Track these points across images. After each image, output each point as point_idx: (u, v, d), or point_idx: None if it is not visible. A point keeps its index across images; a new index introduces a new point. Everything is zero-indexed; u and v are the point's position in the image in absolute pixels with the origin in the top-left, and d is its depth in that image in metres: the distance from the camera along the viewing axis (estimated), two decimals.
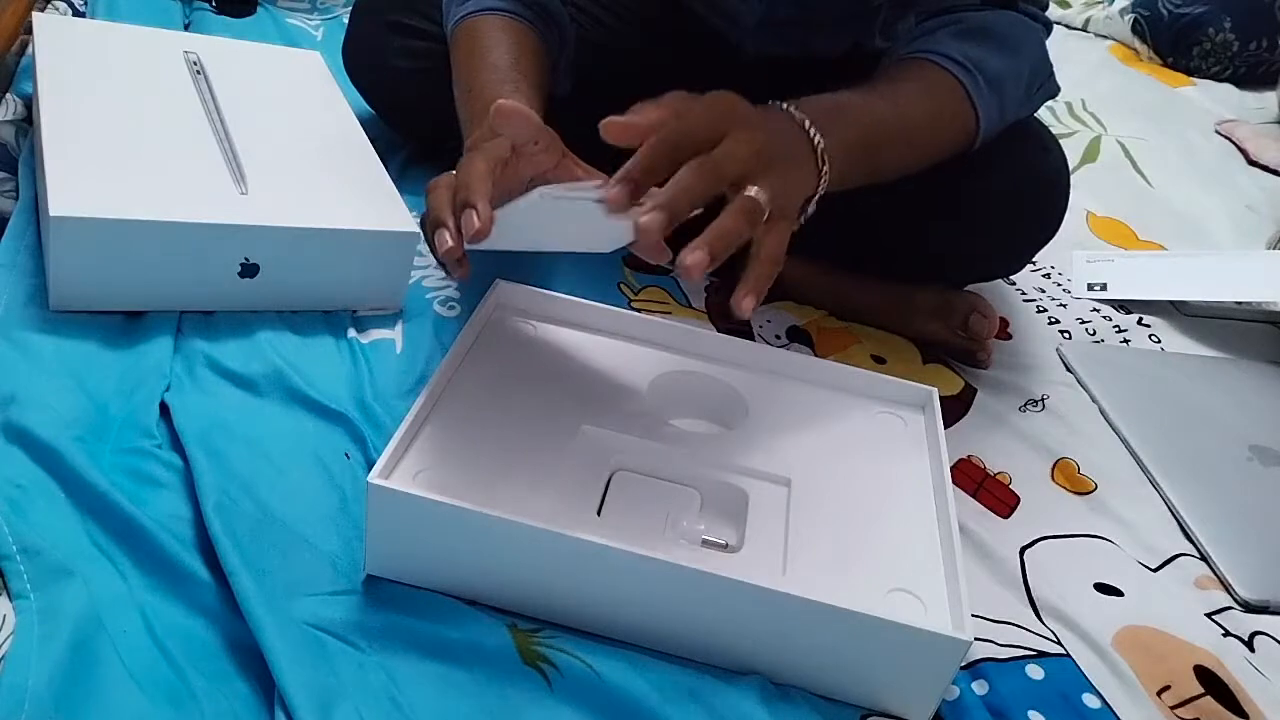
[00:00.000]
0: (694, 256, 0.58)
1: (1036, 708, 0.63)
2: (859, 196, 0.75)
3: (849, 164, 0.71)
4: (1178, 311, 1.15)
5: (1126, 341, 1.09)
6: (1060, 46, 1.89)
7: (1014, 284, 1.14)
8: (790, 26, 0.93)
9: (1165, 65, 1.91)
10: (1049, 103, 1.61)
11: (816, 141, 0.68)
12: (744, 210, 0.61)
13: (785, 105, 0.69)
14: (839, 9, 0.92)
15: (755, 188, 0.61)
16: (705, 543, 0.64)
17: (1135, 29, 1.95)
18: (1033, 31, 0.84)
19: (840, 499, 0.68)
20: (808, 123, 0.69)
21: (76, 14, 1.15)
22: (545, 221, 0.64)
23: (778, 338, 0.95)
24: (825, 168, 0.68)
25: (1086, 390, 0.97)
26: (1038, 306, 1.11)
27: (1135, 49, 1.95)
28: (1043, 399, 0.95)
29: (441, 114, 1.00)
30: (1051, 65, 0.86)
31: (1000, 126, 0.84)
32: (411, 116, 1.04)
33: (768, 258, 0.62)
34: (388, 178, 0.88)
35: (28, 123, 0.92)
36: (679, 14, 0.99)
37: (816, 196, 0.69)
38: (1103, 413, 0.94)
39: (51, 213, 0.70)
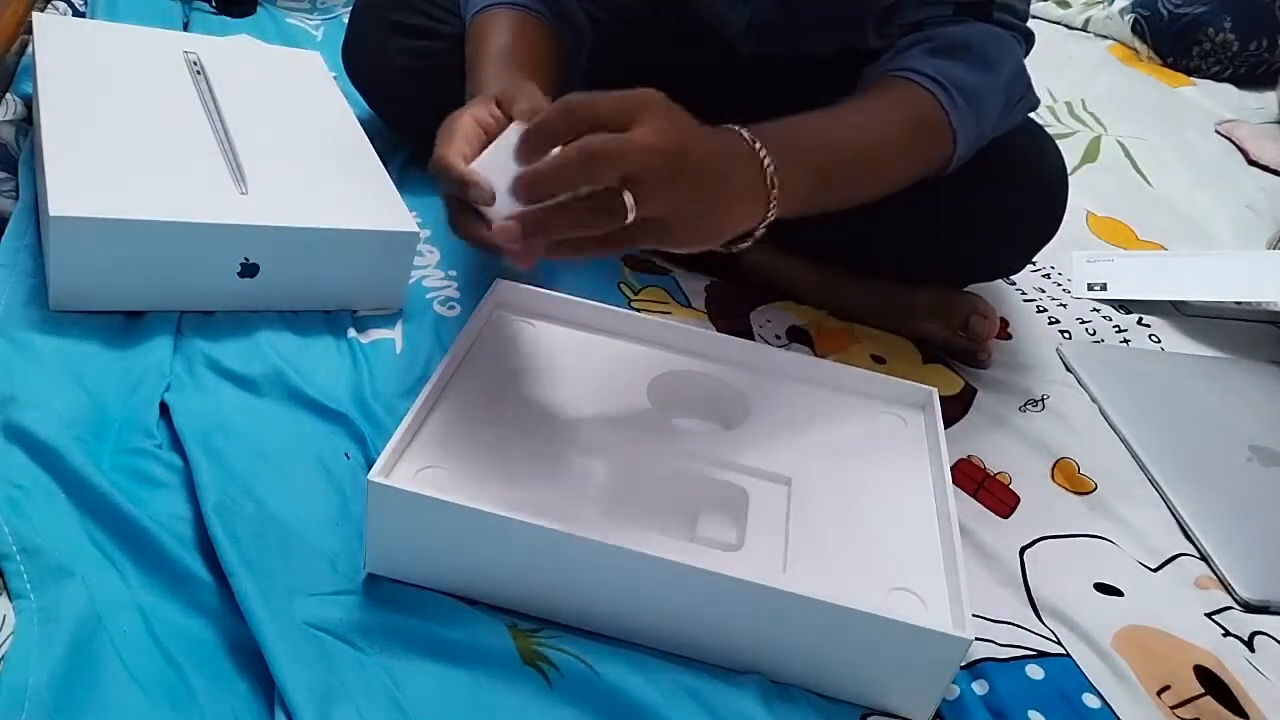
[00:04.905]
0: (505, 227, 0.54)
1: (1036, 708, 0.63)
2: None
3: (805, 192, 0.66)
4: (1178, 311, 1.15)
5: (1126, 341, 1.08)
6: (1060, 46, 1.90)
7: (1014, 284, 1.14)
8: (779, 28, 0.93)
9: (1165, 65, 1.91)
10: (1049, 102, 1.62)
11: (767, 166, 0.62)
12: (598, 206, 0.54)
13: (740, 129, 0.64)
14: (825, 12, 0.92)
15: (632, 197, 0.55)
16: (705, 542, 0.64)
17: (1135, 29, 1.94)
18: (1009, 44, 0.83)
19: (840, 498, 0.68)
20: (760, 147, 0.62)
21: (76, 14, 1.15)
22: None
23: (778, 338, 0.95)
24: (775, 192, 0.63)
25: (1086, 390, 0.97)
26: (1038, 306, 1.11)
27: (1135, 49, 1.95)
28: (1043, 399, 0.95)
29: (442, 114, 1.00)
30: (1029, 77, 0.84)
31: (980, 143, 0.82)
32: (412, 117, 1.04)
33: (603, 244, 0.57)
34: (388, 178, 0.88)
35: (28, 123, 0.92)
36: (675, 16, 0.99)
37: (762, 225, 0.64)
38: (1103, 413, 0.94)
39: (51, 213, 0.70)
